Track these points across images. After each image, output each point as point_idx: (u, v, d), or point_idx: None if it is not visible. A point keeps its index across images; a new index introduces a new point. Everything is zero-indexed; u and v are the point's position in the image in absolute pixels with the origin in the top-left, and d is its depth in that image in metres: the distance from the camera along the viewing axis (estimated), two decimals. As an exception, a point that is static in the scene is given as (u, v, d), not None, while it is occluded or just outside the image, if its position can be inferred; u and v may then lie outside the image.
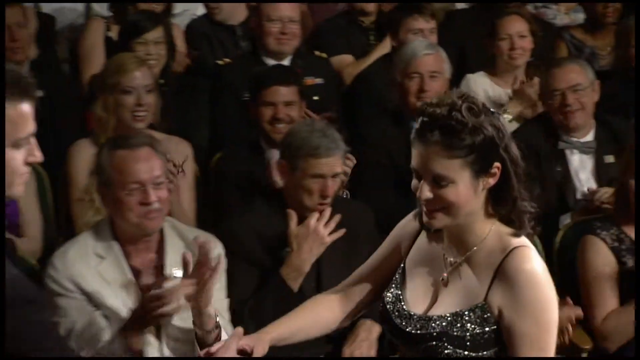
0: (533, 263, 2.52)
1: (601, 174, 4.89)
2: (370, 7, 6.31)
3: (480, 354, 2.52)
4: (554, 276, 4.25)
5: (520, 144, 4.66)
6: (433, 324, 2.55)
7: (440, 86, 4.98)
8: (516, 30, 5.60)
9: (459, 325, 2.51)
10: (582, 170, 4.95)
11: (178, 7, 6.35)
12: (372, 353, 4.17)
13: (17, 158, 2.53)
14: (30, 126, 2.56)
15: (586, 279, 4.27)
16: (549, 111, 5.00)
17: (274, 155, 4.52)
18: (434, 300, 2.65)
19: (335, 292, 2.96)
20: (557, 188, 4.93)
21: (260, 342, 2.76)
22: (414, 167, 2.51)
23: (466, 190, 2.46)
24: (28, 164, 2.57)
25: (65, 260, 3.71)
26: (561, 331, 3.97)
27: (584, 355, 4.27)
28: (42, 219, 4.77)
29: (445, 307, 2.58)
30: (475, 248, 2.59)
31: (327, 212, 4.15)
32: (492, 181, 2.48)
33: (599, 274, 4.20)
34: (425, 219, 2.57)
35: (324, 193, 4.12)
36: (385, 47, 6.03)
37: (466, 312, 2.53)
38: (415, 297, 2.66)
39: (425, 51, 5.03)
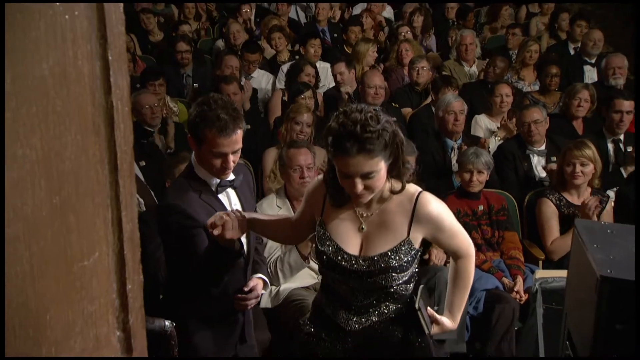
0: (433, 201, 2.22)
1: (548, 170, 4.71)
2: (422, 81, 6.09)
3: (409, 271, 2.21)
4: (524, 221, 4.52)
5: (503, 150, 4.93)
6: (378, 262, 2.18)
7: (464, 119, 4.95)
8: (504, 92, 5.49)
9: (396, 257, 2.17)
10: (539, 165, 4.85)
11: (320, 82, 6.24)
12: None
13: (215, 161, 2.53)
14: (223, 148, 2.50)
15: (541, 221, 4.24)
16: (521, 134, 4.93)
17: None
18: (362, 243, 2.24)
19: (289, 222, 2.50)
20: (524, 174, 4.84)
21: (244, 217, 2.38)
22: (345, 172, 2.07)
23: (384, 172, 2.10)
24: (223, 167, 2.55)
25: (261, 209, 3.74)
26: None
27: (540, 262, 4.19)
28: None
29: (379, 247, 2.20)
30: (383, 204, 2.22)
31: None
32: (393, 158, 2.11)
33: (547, 218, 4.22)
34: (355, 199, 2.17)
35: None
36: (427, 101, 5.83)
37: (398, 248, 2.18)
38: (348, 244, 2.23)
39: (456, 99, 4.96)
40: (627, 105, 4.96)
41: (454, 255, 2.35)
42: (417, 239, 2.21)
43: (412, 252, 2.21)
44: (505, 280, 4.01)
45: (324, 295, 2.35)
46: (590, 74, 6.72)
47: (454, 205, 4.20)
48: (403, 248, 2.19)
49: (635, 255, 1.82)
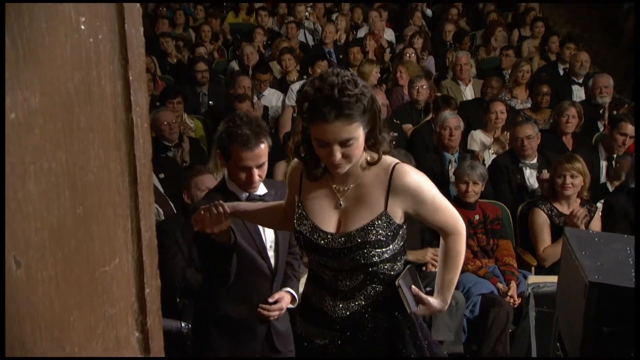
0: (410, 172, 1.94)
1: (541, 178, 4.67)
2: (422, 99, 6.05)
3: (390, 246, 1.93)
4: (518, 230, 4.47)
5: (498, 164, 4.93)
6: (354, 237, 1.92)
7: (459, 134, 4.93)
8: (499, 110, 5.47)
9: (373, 232, 1.91)
10: (531, 177, 4.83)
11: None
12: None
13: (241, 175, 2.46)
14: (246, 162, 2.42)
15: (533, 230, 4.20)
16: (514, 148, 4.90)
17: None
18: (340, 220, 1.97)
19: (281, 207, 2.21)
20: (517, 186, 4.78)
21: (228, 205, 2.14)
22: (322, 139, 1.81)
23: (362, 140, 1.85)
24: (248, 180, 2.46)
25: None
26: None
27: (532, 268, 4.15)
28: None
29: (356, 222, 1.93)
30: (359, 178, 1.96)
31: None
32: (370, 126, 1.85)
33: (539, 227, 4.18)
34: (332, 169, 1.89)
35: None
36: (427, 118, 5.79)
37: (375, 222, 1.91)
38: (325, 222, 1.97)
39: (452, 116, 4.95)
40: (632, 129, 4.96)
41: (441, 232, 2.05)
42: (396, 212, 1.94)
43: (392, 227, 1.94)
44: (500, 285, 3.99)
45: (310, 285, 2.11)
46: (578, 93, 6.72)
47: (451, 215, 4.19)
48: (380, 222, 1.92)
49: (636, 261, 1.80)
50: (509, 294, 3.92)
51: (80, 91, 0.83)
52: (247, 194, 2.55)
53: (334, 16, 9.20)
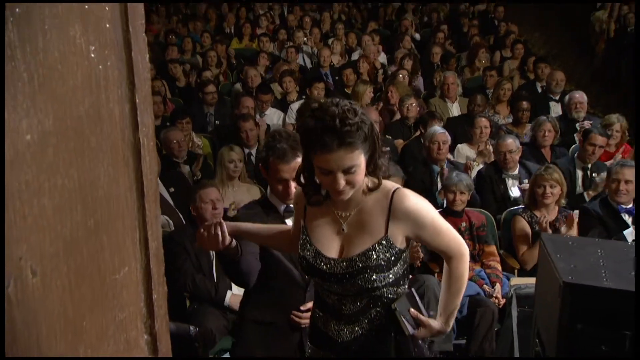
0: (410, 197, 1.84)
1: (522, 189, 4.70)
2: (411, 115, 6.06)
3: (392, 270, 1.85)
4: (501, 235, 4.44)
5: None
6: (355, 262, 1.83)
7: (447, 148, 4.93)
8: (483, 125, 5.45)
9: (374, 256, 1.82)
10: (513, 187, 4.81)
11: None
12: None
13: (278, 186, 2.44)
14: (283, 174, 2.40)
15: (515, 235, 4.20)
16: (497, 160, 4.90)
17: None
18: (342, 246, 1.89)
19: (288, 232, 2.14)
20: (501, 195, 4.80)
21: (229, 225, 2.07)
22: (326, 168, 1.74)
23: (364, 166, 1.76)
24: (285, 192, 2.43)
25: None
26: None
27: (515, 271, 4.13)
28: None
29: (357, 247, 1.85)
30: (361, 203, 1.86)
31: None
32: (371, 151, 1.76)
33: (521, 233, 4.19)
34: (336, 196, 1.81)
35: None
36: (416, 134, 5.70)
37: (375, 246, 1.82)
38: (327, 248, 1.89)
39: (441, 130, 4.96)
40: (601, 140, 4.96)
41: (444, 255, 1.96)
42: (397, 237, 1.85)
43: (393, 251, 1.84)
44: (486, 287, 3.97)
45: (316, 309, 2.03)
46: (555, 109, 6.73)
47: (440, 223, 4.18)
48: (380, 246, 1.83)
49: (636, 261, 1.79)
50: (494, 295, 3.91)
51: (90, 114, 0.84)
52: (285, 205, 2.51)
53: (329, 41, 9.25)
